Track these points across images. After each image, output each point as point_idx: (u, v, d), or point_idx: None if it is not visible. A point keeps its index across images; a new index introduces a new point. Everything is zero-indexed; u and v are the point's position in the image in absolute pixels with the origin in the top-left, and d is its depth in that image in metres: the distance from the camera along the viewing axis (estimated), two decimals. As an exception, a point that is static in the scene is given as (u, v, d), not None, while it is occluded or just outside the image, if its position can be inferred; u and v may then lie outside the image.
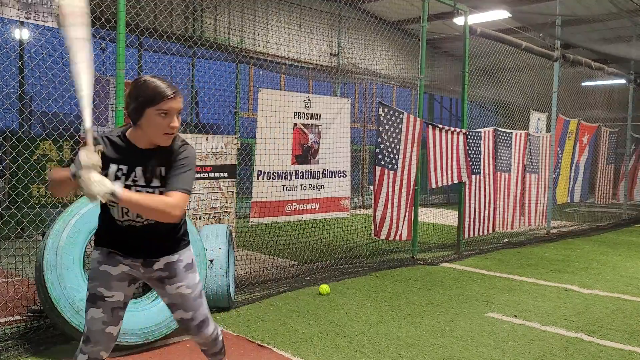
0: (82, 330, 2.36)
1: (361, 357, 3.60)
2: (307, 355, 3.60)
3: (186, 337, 3.65)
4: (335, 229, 7.12)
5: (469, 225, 7.77)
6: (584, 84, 11.91)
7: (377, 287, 5.53)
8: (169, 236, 2.38)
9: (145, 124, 2.17)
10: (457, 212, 7.74)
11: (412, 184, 6.92)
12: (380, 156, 6.51)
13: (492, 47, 8.26)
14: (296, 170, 6.22)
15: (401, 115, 6.70)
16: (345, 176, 6.77)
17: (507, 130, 8.54)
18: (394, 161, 6.66)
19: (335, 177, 6.64)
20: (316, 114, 6.38)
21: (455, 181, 7.56)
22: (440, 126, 7.26)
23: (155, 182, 2.23)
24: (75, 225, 3.56)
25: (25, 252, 5.38)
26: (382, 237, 6.69)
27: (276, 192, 6.02)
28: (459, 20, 8.07)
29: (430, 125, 7.11)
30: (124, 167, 2.21)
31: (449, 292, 5.36)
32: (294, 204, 6.23)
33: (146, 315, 3.61)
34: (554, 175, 9.68)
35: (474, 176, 7.79)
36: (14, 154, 7.43)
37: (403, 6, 9.45)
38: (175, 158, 2.23)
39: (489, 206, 8.15)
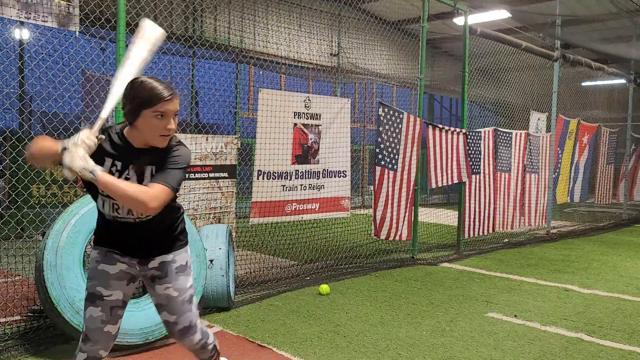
0: (82, 330, 2.36)
1: (361, 357, 3.60)
2: (307, 355, 3.60)
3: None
4: (335, 229, 7.12)
5: (469, 225, 7.77)
6: (584, 84, 11.91)
7: (377, 287, 5.53)
8: (165, 235, 2.38)
9: (141, 125, 2.15)
10: (457, 212, 7.74)
11: (412, 184, 6.92)
12: (380, 156, 6.51)
13: (492, 47, 8.26)
14: (296, 170, 6.22)
15: (401, 115, 6.70)
16: (345, 176, 6.77)
17: (507, 130, 8.54)
18: (394, 161, 6.66)
19: (335, 177, 6.64)
20: (316, 114, 6.38)
21: (455, 181, 7.56)
22: (440, 126, 7.26)
23: (146, 181, 2.22)
24: (75, 225, 3.56)
25: (25, 252, 5.39)
26: (382, 237, 6.69)
27: (276, 192, 6.02)
28: (459, 20, 8.07)
29: (430, 125, 7.11)
30: (118, 164, 2.21)
31: (449, 292, 5.36)
32: (294, 204, 6.23)
33: (146, 315, 3.61)
34: (554, 175, 9.68)
35: (474, 176, 7.79)
36: (14, 154, 7.42)
37: (403, 6, 9.45)
38: (167, 156, 2.21)
39: (489, 206, 8.15)
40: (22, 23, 7.32)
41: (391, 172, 6.65)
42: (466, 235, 7.74)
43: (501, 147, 8.36)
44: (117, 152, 2.21)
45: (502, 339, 4.01)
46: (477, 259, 7.23)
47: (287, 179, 6.13)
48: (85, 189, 2.34)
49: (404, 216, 6.87)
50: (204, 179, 5.30)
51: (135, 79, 2.19)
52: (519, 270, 6.49)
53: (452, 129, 7.43)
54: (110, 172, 2.18)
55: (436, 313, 4.64)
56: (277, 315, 4.48)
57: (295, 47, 10.68)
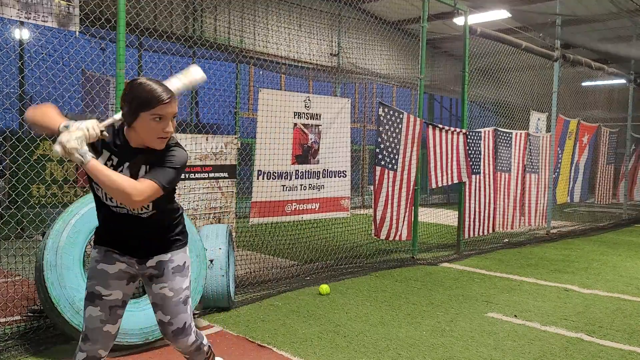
0: (82, 330, 2.36)
1: (361, 357, 3.60)
2: (307, 355, 3.60)
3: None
4: (335, 229, 7.12)
5: (469, 225, 7.77)
6: (584, 84, 11.91)
7: (377, 287, 5.53)
8: (163, 235, 2.37)
9: (139, 127, 2.15)
10: (457, 212, 7.74)
11: (412, 184, 6.92)
12: (380, 156, 6.51)
13: (492, 47, 8.26)
14: (296, 170, 6.22)
15: (401, 115, 6.70)
16: (345, 176, 6.77)
17: (507, 130, 8.54)
18: (394, 161, 6.66)
19: (335, 177, 6.64)
20: (316, 114, 6.38)
21: (455, 181, 7.56)
22: (440, 126, 7.26)
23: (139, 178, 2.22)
24: (75, 225, 3.56)
25: (25, 252, 5.38)
26: (382, 237, 6.69)
27: (276, 192, 6.02)
28: (459, 20, 8.07)
29: (430, 125, 7.11)
30: (114, 159, 2.21)
31: (449, 292, 5.36)
32: (294, 204, 6.23)
33: (146, 315, 3.61)
34: (554, 175, 9.68)
35: (474, 176, 7.79)
36: (14, 154, 7.43)
37: (403, 6, 9.45)
38: (162, 156, 2.21)
39: (489, 206, 8.15)
40: (22, 23, 7.32)
41: (391, 172, 6.65)
42: (466, 235, 7.74)
43: (501, 147, 8.36)
44: (115, 147, 2.22)
45: (502, 339, 4.01)
46: (477, 259, 7.23)
47: (287, 179, 6.13)
48: (87, 187, 2.35)
49: (404, 216, 6.87)
50: (204, 179, 5.30)
51: (134, 80, 2.18)
52: (519, 270, 6.50)
53: (452, 129, 7.43)
54: (105, 165, 2.18)
55: (436, 313, 4.64)
56: (277, 315, 4.48)
57: (295, 47, 10.68)
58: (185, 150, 2.29)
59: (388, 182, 6.62)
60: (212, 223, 5.32)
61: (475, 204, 7.84)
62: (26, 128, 8.85)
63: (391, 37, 9.70)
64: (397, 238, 6.83)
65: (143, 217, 2.29)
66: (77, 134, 2.01)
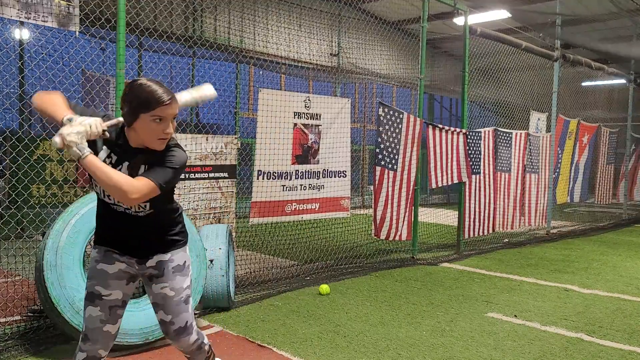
0: (82, 330, 2.36)
1: (361, 357, 3.60)
2: (307, 355, 3.60)
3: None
4: (335, 229, 7.12)
5: (469, 225, 7.77)
6: (584, 84, 11.90)
7: (377, 287, 5.53)
8: (163, 234, 2.37)
9: (139, 127, 2.15)
10: (457, 212, 7.74)
11: (412, 184, 6.92)
12: (380, 156, 6.51)
13: (492, 47, 8.26)
14: (296, 170, 6.22)
15: (401, 115, 6.70)
16: (345, 176, 6.77)
17: (507, 130, 8.54)
18: (394, 161, 6.66)
19: (335, 177, 6.64)
20: (316, 114, 6.38)
21: (455, 181, 7.56)
22: (440, 126, 7.26)
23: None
24: (75, 225, 3.56)
25: (25, 252, 5.38)
26: (382, 237, 6.69)
27: (276, 192, 6.02)
28: (459, 20, 8.07)
29: (430, 125, 7.11)
30: (114, 157, 2.22)
31: (449, 292, 5.36)
32: (293, 204, 6.23)
33: (146, 315, 3.61)
34: (554, 175, 9.68)
35: (474, 176, 7.79)
36: (14, 154, 7.43)
37: (403, 6, 9.45)
38: (161, 156, 2.20)
39: (489, 206, 8.15)
40: (22, 23, 7.32)
41: (391, 172, 6.65)
42: (466, 235, 7.74)
43: (501, 147, 8.36)
44: (115, 146, 2.22)
45: (502, 339, 4.01)
46: (477, 259, 7.23)
47: (287, 179, 6.13)
48: (87, 187, 2.37)
49: (404, 216, 6.87)
50: (204, 179, 5.30)
51: (135, 80, 2.18)
52: (519, 270, 6.50)
53: (452, 129, 7.43)
54: (104, 162, 2.18)
55: (436, 313, 4.64)
56: (277, 315, 4.48)
57: (295, 47, 10.68)
58: (184, 151, 2.29)
59: (388, 182, 6.62)
60: (212, 223, 5.32)
61: (475, 204, 7.84)
62: (26, 128, 8.86)
63: (391, 37, 9.70)
64: (397, 238, 6.83)
65: (141, 216, 2.28)
66: (78, 129, 2.03)
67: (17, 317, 4.09)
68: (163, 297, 2.38)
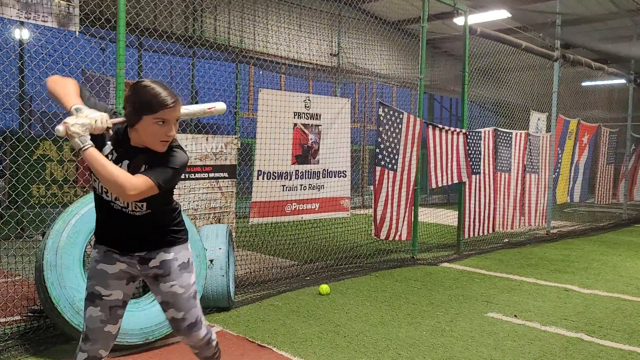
0: (82, 330, 2.36)
1: (361, 357, 3.60)
2: (307, 355, 3.60)
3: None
4: (335, 229, 7.12)
5: (469, 225, 7.77)
6: (584, 84, 11.91)
7: (377, 287, 5.53)
8: (162, 233, 2.37)
9: (141, 129, 2.15)
10: (457, 212, 7.74)
11: (412, 184, 6.92)
12: (380, 156, 6.51)
13: (492, 47, 8.26)
14: (296, 170, 6.22)
15: (401, 115, 6.70)
16: (345, 176, 6.77)
17: (507, 130, 8.54)
18: (394, 161, 6.66)
19: (335, 177, 6.64)
20: (316, 114, 6.39)
21: (455, 181, 7.56)
22: (440, 126, 7.26)
23: None
24: (75, 225, 3.56)
25: (25, 252, 5.38)
26: (382, 237, 6.69)
27: (276, 192, 6.02)
28: (459, 20, 8.07)
29: (430, 125, 7.11)
30: (114, 154, 2.22)
31: (449, 292, 5.36)
32: (293, 203, 6.23)
33: (146, 315, 3.61)
34: (554, 175, 9.68)
35: (474, 176, 7.79)
36: (14, 154, 7.43)
37: (403, 6, 9.45)
38: (162, 156, 2.20)
39: (489, 206, 8.15)
40: (22, 23, 7.32)
41: (391, 172, 6.65)
42: (466, 235, 7.74)
43: (501, 147, 8.36)
44: (118, 143, 2.22)
45: (502, 339, 4.01)
46: (477, 259, 7.23)
47: (287, 179, 6.13)
48: (87, 187, 2.37)
49: (404, 216, 6.87)
50: (204, 179, 5.30)
51: (139, 82, 2.18)
52: (519, 270, 6.50)
53: (452, 129, 7.43)
54: (105, 157, 2.18)
55: (436, 313, 4.64)
56: (277, 315, 4.48)
57: (295, 47, 10.68)
58: (185, 152, 2.29)
59: (388, 182, 6.62)
60: (212, 223, 5.32)
61: (475, 204, 7.84)
62: (26, 128, 8.86)
63: (391, 37, 9.69)
64: (397, 238, 6.83)
65: (138, 216, 2.28)
66: (84, 121, 2.03)
67: (17, 317, 4.09)
68: (173, 295, 2.38)
